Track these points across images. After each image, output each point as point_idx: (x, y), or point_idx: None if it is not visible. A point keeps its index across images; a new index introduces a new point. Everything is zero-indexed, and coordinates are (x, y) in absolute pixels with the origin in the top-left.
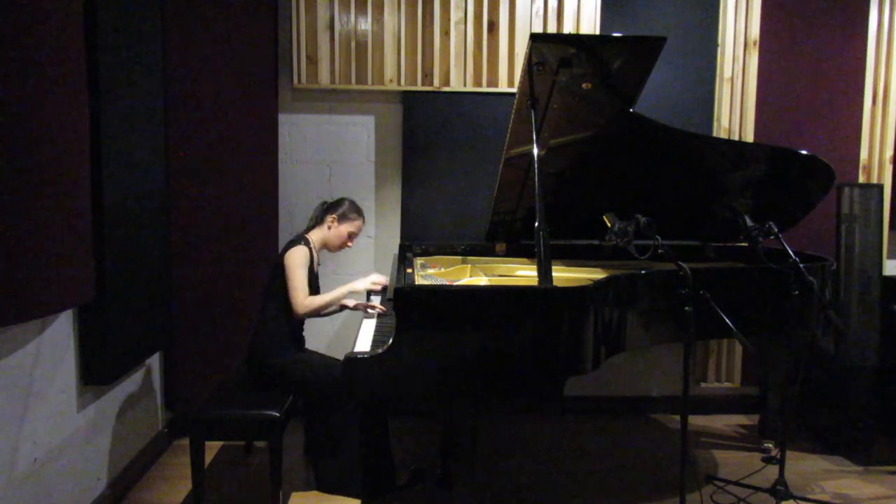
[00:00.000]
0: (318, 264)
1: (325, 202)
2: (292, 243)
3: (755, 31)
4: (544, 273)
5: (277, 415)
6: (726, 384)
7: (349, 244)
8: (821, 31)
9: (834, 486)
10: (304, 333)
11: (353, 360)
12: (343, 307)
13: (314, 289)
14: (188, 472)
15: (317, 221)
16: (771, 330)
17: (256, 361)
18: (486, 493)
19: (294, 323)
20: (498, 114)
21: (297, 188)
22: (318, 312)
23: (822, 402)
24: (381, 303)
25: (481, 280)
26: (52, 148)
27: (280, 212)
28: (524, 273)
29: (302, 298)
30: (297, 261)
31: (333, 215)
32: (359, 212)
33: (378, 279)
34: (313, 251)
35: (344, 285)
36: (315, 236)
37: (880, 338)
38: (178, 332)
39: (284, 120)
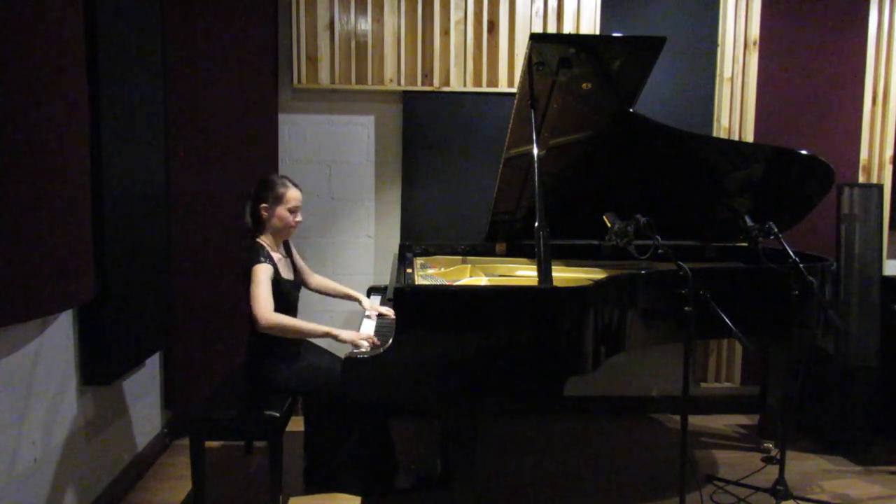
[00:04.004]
0: (291, 258)
1: (248, 192)
2: (252, 257)
3: (755, 31)
4: (544, 273)
5: (277, 415)
6: (726, 384)
7: (297, 220)
8: (821, 31)
9: (834, 486)
10: None
11: (353, 360)
12: (333, 337)
13: (293, 296)
14: (188, 472)
15: (254, 220)
16: (771, 330)
17: (254, 375)
18: (486, 493)
19: None
20: (498, 114)
21: None
22: (283, 333)
23: (822, 402)
24: (382, 303)
25: (481, 280)
26: (52, 148)
27: None
28: (524, 273)
29: (264, 311)
30: (257, 276)
31: (264, 204)
32: (286, 183)
33: (369, 337)
34: (274, 259)
35: (327, 326)
36: (266, 239)
37: (880, 338)
38: (178, 332)
39: (284, 120)
